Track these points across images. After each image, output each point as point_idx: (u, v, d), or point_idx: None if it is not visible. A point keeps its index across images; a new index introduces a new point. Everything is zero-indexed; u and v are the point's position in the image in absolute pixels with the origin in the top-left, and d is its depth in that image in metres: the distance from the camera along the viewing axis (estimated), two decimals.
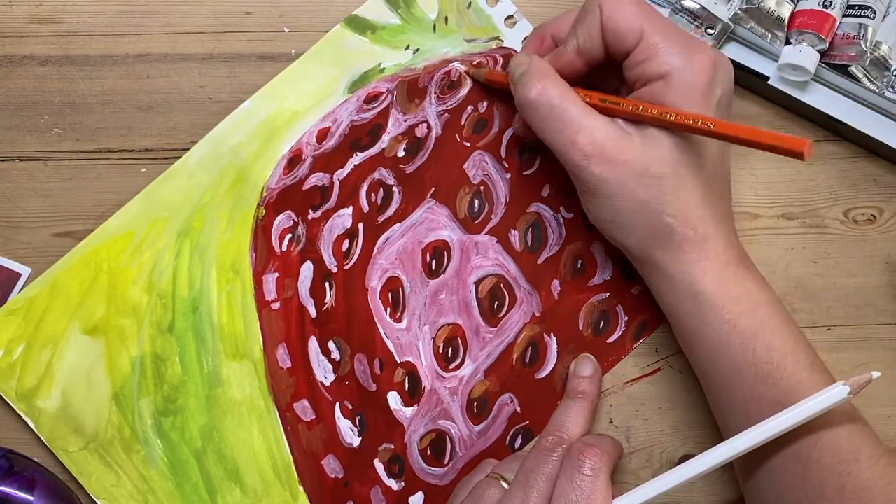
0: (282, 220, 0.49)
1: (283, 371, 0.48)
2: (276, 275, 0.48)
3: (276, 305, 0.48)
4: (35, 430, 0.47)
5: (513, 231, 0.50)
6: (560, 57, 0.43)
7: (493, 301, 0.49)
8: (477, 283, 0.49)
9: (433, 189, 0.50)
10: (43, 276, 0.48)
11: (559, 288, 0.49)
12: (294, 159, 0.49)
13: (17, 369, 0.47)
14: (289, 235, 0.49)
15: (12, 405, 0.47)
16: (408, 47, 0.50)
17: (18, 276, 0.47)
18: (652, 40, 0.41)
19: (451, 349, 0.49)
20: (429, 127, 0.50)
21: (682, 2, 0.49)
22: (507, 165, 0.50)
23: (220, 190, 0.49)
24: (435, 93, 0.50)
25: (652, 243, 0.42)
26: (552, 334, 0.49)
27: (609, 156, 0.41)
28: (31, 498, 0.44)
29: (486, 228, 0.50)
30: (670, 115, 0.40)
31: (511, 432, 0.49)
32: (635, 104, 0.41)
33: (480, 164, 0.50)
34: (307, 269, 0.49)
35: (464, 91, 0.50)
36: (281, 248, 0.49)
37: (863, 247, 0.51)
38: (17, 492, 0.44)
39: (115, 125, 0.49)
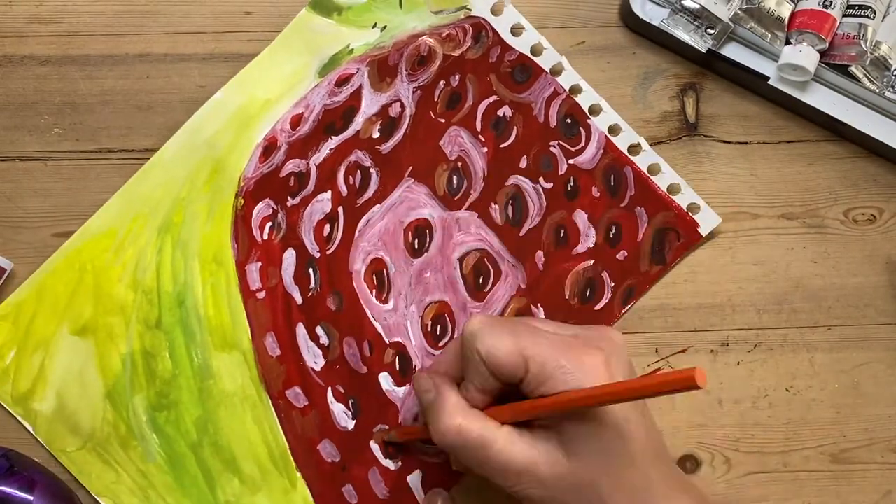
0: (261, 209, 0.49)
1: (272, 359, 0.48)
2: (259, 264, 0.49)
3: (261, 295, 0.48)
4: (33, 433, 0.47)
5: (493, 205, 0.49)
6: (466, 397, 0.41)
7: (478, 276, 0.49)
8: (461, 260, 0.49)
9: (411, 168, 0.49)
10: (29, 280, 0.48)
11: (543, 259, 0.49)
12: (269, 147, 0.49)
13: (11, 374, 0.48)
14: (269, 224, 0.49)
15: (9, 409, 0.47)
16: (375, 25, 0.50)
17: (3, 270, 0.47)
18: (539, 368, 0.39)
19: (439, 327, 0.49)
20: (402, 106, 0.50)
21: (683, 2, 0.48)
22: (483, 139, 0.50)
23: (198, 183, 0.49)
24: (406, 70, 0.50)
25: None
26: (539, 305, 0.49)
27: (542, 476, 0.39)
28: (31, 498, 0.44)
29: (467, 204, 0.49)
30: (573, 396, 0.38)
31: None
32: (541, 403, 0.39)
33: (456, 140, 0.50)
34: (290, 257, 0.49)
35: (435, 65, 0.50)
36: (262, 236, 0.49)
37: (863, 247, 0.51)
38: (17, 492, 0.44)
39: (115, 125, 0.49)
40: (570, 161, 0.50)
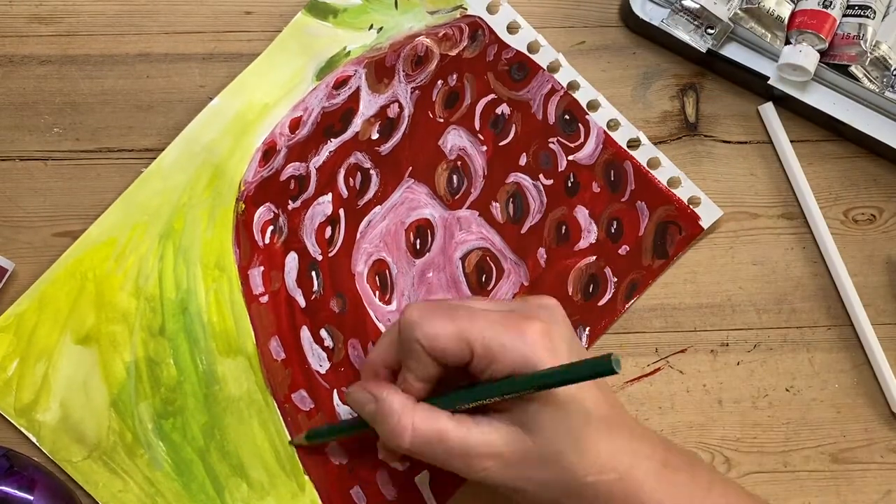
0: (262, 213, 0.49)
1: (277, 363, 0.48)
2: (262, 268, 0.48)
3: (264, 299, 0.48)
4: (37, 444, 0.47)
5: (494, 203, 0.49)
6: (406, 388, 0.40)
7: (481, 274, 0.49)
8: (463, 259, 0.49)
9: (410, 168, 0.49)
10: (30, 291, 0.48)
11: (545, 255, 0.49)
12: (269, 151, 0.49)
13: (14, 385, 0.47)
14: (270, 228, 0.49)
15: (12, 421, 0.47)
16: (371, 27, 0.50)
17: (5, 271, 0.47)
18: (483, 350, 0.38)
19: None
20: (400, 106, 0.50)
21: (683, 2, 0.48)
22: (482, 138, 0.50)
23: (198, 189, 0.49)
24: (403, 70, 0.50)
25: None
26: None
27: (507, 457, 0.39)
28: (31, 497, 0.44)
29: (467, 203, 0.49)
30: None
31: None
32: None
33: (455, 140, 0.50)
34: (292, 260, 0.49)
35: (432, 65, 0.50)
36: (264, 241, 0.49)
37: (863, 247, 0.51)
38: (17, 491, 0.44)
39: (115, 125, 0.49)
40: (570, 157, 0.50)
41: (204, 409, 0.48)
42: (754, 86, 0.51)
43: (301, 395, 0.48)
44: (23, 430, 0.47)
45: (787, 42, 0.49)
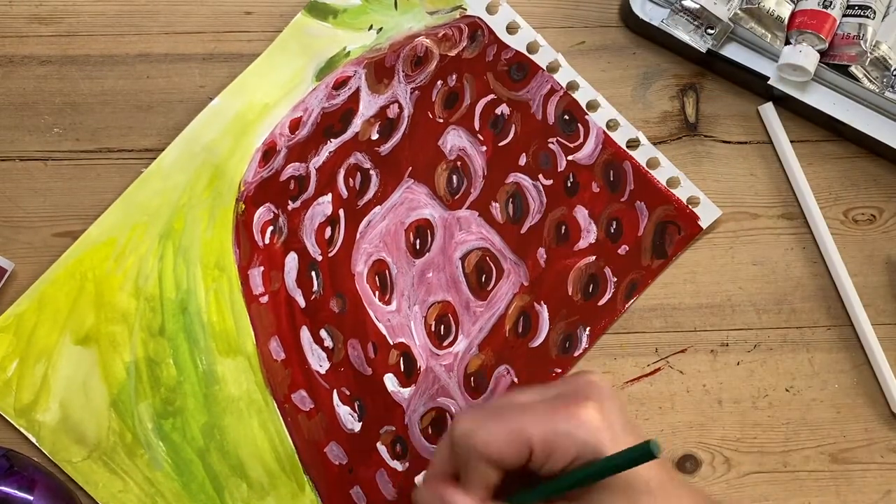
0: (262, 214, 0.49)
1: (277, 363, 0.48)
2: (262, 268, 0.48)
3: (264, 299, 0.48)
4: (37, 445, 0.47)
5: (493, 203, 0.50)
6: (473, 498, 0.40)
7: (481, 274, 0.49)
8: (463, 259, 0.49)
9: (410, 168, 0.49)
10: (29, 291, 0.48)
11: (545, 255, 0.49)
12: (268, 152, 0.49)
13: (13, 385, 0.47)
14: (270, 228, 0.49)
15: (12, 422, 0.47)
16: (371, 27, 0.50)
17: (4, 271, 0.47)
18: (541, 444, 0.38)
19: (443, 326, 0.49)
20: (400, 107, 0.50)
21: (683, 2, 0.48)
22: (481, 138, 0.50)
23: (198, 189, 0.49)
24: (403, 71, 0.50)
25: None
26: (542, 302, 0.49)
27: None
28: (31, 498, 0.44)
29: (467, 203, 0.49)
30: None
31: None
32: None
33: (455, 140, 0.50)
34: (292, 260, 0.49)
35: (432, 66, 0.50)
36: (264, 241, 0.49)
37: (863, 247, 0.51)
38: (17, 491, 0.44)
39: (115, 125, 0.49)
40: (569, 157, 0.50)
41: (204, 409, 0.48)
42: (754, 86, 0.51)
43: (301, 395, 0.48)
44: (22, 430, 0.47)
45: (787, 42, 0.49)
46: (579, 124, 0.50)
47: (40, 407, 0.47)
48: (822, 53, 0.48)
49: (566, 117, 0.50)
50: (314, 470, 0.48)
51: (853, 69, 0.49)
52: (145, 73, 0.49)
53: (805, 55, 0.48)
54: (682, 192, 0.50)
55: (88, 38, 0.49)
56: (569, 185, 0.50)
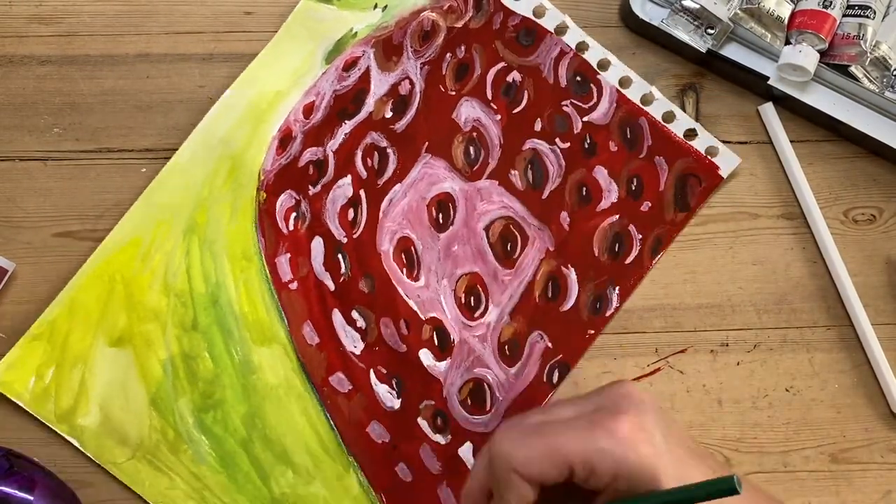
0: (284, 201, 0.49)
1: (312, 348, 0.48)
2: (288, 255, 0.49)
3: (293, 285, 0.48)
4: (81, 449, 0.47)
5: (512, 171, 0.50)
6: None
7: (506, 243, 0.49)
8: (486, 229, 0.49)
9: (427, 143, 0.50)
10: (59, 297, 0.48)
11: (568, 219, 0.49)
12: (285, 139, 0.49)
13: (52, 392, 0.47)
14: (293, 214, 0.49)
15: (54, 428, 0.47)
16: (376, 6, 0.50)
17: (5, 271, 0.47)
18: (582, 462, 0.38)
19: (472, 298, 0.49)
20: (411, 82, 0.50)
21: (683, 2, 0.48)
22: (495, 107, 0.50)
23: (218, 182, 0.49)
24: (411, 46, 0.50)
25: None
26: (570, 266, 0.49)
27: None
28: (31, 498, 0.44)
29: (486, 173, 0.50)
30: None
31: (546, 369, 0.49)
32: None
33: (469, 111, 0.50)
34: (318, 245, 0.49)
35: (440, 39, 0.50)
36: (288, 228, 0.49)
37: (863, 247, 0.51)
38: (17, 492, 0.44)
39: (115, 125, 0.49)
40: (585, 119, 0.50)
41: (243, 399, 0.48)
42: (754, 86, 0.51)
43: (339, 377, 0.48)
44: (65, 435, 0.47)
45: (787, 42, 0.48)
46: (592, 84, 0.50)
47: (80, 411, 0.47)
48: (822, 53, 0.48)
49: (578, 79, 0.50)
50: (357, 450, 0.48)
51: (853, 69, 0.49)
52: (145, 73, 0.50)
53: (805, 55, 0.48)
54: (699, 144, 0.50)
55: (88, 38, 0.50)
56: (586, 146, 0.50)
